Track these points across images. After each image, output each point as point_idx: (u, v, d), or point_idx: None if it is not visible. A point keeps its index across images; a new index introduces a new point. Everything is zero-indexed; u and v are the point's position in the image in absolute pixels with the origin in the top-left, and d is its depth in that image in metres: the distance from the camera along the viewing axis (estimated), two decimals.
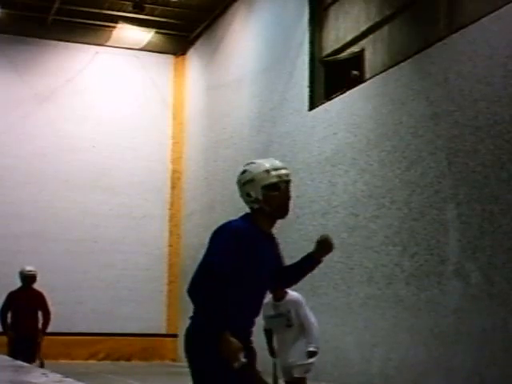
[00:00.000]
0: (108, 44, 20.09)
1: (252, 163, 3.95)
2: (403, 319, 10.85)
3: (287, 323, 7.32)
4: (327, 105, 13.45)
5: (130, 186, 19.93)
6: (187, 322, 3.86)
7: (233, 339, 3.65)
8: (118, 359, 18.81)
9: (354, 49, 13.25)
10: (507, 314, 8.88)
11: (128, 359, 18.97)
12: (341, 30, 13.64)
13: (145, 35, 19.89)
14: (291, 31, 14.90)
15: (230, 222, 3.90)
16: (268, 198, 3.86)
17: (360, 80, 12.78)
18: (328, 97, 13.61)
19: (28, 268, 11.11)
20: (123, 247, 19.53)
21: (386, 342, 11.16)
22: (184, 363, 3.94)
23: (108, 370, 16.11)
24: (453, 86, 10.18)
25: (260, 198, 3.87)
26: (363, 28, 12.94)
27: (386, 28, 12.44)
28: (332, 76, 13.94)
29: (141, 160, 20.08)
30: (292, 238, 13.27)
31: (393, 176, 11.30)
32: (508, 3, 9.37)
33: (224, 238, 3.79)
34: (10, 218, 18.83)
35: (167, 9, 18.88)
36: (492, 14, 9.62)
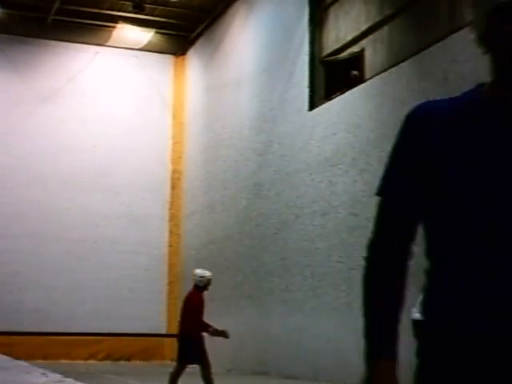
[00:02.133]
0: (108, 44, 20.11)
1: None
2: (403, 319, 10.83)
3: None
4: (327, 105, 13.46)
5: (130, 186, 19.94)
6: None
7: (391, 375, 1.81)
8: (118, 359, 18.81)
9: (354, 49, 13.26)
10: None
11: (128, 359, 18.97)
12: (341, 30, 13.65)
13: (145, 35, 19.91)
14: (291, 31, 14.91)
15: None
16: (496, 32, 1.69)
17: (360, 80, 12.78)
18: (328, 97, 13.62)
19: (209, 273, 10.47)
20: (123, 247, 19.54)
21: None
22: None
23: (108, 370, 16.11)
24: (453, 86, 10.17)
25: (482, 29, 1.72)
26: (363, 28, 12.94)
27: (385, 28, 12.45)
28: (332, 76, 13.95)
29: (141, 160, 20.09)
30: (292, 238, 13.24)
31: None
32: None
33: (394, 145, 1.80)
34: (10, 218, 18.84)
35: (167, 9, 18.90)
36: None
